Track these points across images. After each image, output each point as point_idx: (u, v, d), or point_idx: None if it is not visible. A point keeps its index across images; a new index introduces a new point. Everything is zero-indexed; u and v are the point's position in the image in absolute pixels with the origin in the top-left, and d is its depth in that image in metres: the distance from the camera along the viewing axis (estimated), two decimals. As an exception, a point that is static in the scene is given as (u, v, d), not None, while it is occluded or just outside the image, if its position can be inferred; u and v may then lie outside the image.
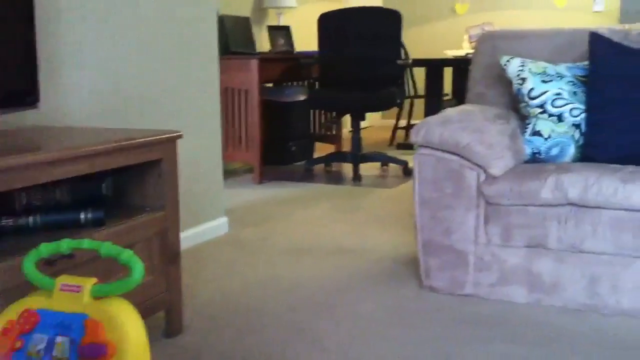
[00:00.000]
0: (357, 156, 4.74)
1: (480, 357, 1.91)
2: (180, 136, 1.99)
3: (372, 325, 2.16)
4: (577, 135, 2.48)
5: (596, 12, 7.09)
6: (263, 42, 5.53)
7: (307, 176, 4.82)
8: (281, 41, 5.27)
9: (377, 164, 5.20)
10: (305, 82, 5.39)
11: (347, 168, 5.12)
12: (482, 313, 2.24)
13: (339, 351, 1.96)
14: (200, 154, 3.10)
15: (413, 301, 2.36)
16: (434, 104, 5.77)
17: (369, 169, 5.05)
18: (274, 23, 5.64)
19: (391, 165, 5.16)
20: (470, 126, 2.36)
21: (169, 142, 1.97)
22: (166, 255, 2.00)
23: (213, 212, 3.22)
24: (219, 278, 2.61)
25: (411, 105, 6.62)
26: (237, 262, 2.82)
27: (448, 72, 6.66)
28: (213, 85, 3.15)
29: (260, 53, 4.92)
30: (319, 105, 4.81)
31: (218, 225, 3.24)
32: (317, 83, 5.19)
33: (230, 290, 2.48)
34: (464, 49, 6.11)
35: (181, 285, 2.08)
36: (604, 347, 1.97)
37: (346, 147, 5.65)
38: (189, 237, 3.03)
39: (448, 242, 2.38)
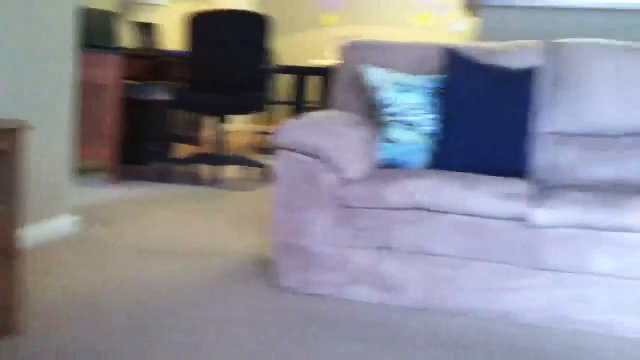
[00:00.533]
0: (218, 158, 4.70)
1: (323, 357, 1.95)
2: (26, 127, 1.88)
3: (222, 326, 2.14)
4: (429, 144, 2.60)
5: (457, 31, 7.49)
6: (129, 39, 5.36)
7: (166, 177, 4.72)
8: (148, 39, 5.14)
9: (239, 167, 5.19)
10: (170, 82, 5.28)
11: (208, 170, 5.07)
12: (330, 313, 2.29)
13: (183, 352, 1.93)
14: (49, 149, 2.95)
15: (265, 302, 2.37)
16: (298, 110, 5.85)
17: (230, 171, 5.03)
18: (142, 20, 5.48)
19: (252, 168, 5.16)
20: (329, 131, 2.42)
21: (12, 134, 1.85)
22: (5, 253, 1.88)
23: (61, 210, 3.07)
24: (64, 278, 2.49)
25: (276, 111, 6.67)
26: (85, 262, 2.70)
27: (314, 81, 6.78)
28: (65, 79, 3.01)
29: (123, 49, 4.77)
30: (183, 107, 4.73)
31: (67, 224, 3.09)
32: (182, 84, 5.10)
33: (75, 291, 2.37)
34: (330, 59, 6.25)
35: (21, 285, 1.96)
36: (437, 345, 2.07)
37: (208, 149, 5.59)
38: (33, 235, 2.86)
39: (301, 243, 2.41)
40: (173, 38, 5.98)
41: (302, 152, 2.38)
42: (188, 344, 1.97)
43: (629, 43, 2.71)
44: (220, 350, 1.94)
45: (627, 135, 2.65)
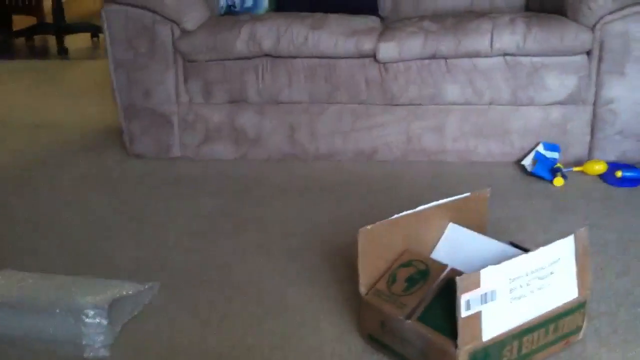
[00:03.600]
0: (61, 27, 4.32)
1: (184, 212, 1.89)
2: None
3: (73, 193, 2.03)
4: (272, -13, 2.46)
5: None
6: None
7: (4, 51, 4.31)
8: None
9: (87, 35, 4.81)
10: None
11: (52, 41, 4.66)
12: (188, 173, 2.21)
13: (35, 220, 1.81)
14: None
15: (117, 169, 2.25)
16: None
17: (77, 41, 4.65)
18: None
19: (103, 36, 4.80)
20: (162, -21, 2.22)
21: None
22: None
23: None
24: None
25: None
26: None
27: None
28: None
29: None
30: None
31: None
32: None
33: None
34: None
35: None
36: (297, 190, 2.05)
37: (49, 18, 5.12)
38: None
39: (149, 104, 2.27)
40: None
41: (133, 4, 2.18)
42: (35, 215, 1.85)
43: None
44: (71, 215, 1.84)
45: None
